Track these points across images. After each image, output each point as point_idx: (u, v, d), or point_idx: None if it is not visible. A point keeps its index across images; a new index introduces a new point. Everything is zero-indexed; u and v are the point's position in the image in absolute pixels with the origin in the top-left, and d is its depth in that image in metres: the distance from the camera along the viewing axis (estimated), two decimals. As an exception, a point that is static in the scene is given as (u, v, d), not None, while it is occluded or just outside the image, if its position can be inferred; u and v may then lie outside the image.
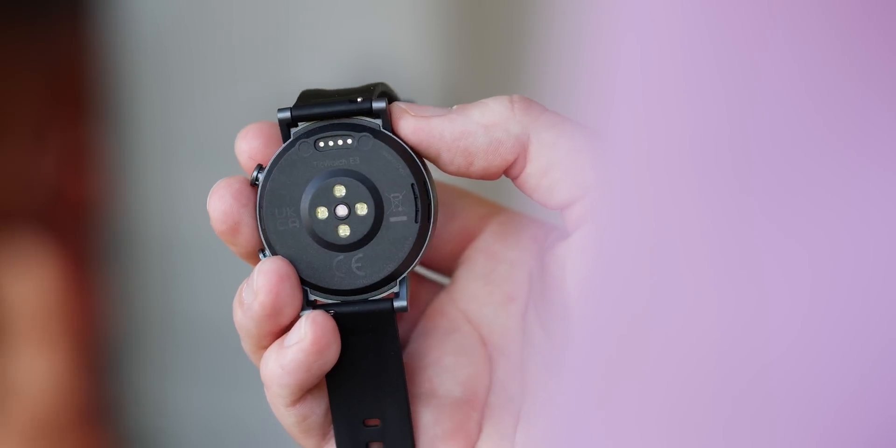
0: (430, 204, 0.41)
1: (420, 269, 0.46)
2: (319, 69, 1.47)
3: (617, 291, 0.26)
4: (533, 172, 0.41)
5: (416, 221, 0.41)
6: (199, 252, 1.56)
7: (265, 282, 0.42)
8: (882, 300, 0.21)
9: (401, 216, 0.41)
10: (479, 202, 0.46)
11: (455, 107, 0.42)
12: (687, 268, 0.24)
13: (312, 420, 0.42)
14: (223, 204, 0.42)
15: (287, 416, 0.42)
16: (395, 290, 0.42)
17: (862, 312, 0.22)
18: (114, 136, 1.61)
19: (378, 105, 0.41)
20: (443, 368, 0.44)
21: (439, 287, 0.46)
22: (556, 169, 0.40)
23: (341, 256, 0.41)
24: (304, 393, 0.42)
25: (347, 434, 0.41)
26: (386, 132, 0.41)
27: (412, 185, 0.41)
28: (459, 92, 1.44)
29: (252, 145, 0.43)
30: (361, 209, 0.41)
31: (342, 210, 0.42)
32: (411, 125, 0.41)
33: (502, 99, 0.42)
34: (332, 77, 1.46)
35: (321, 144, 0.42)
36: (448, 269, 0.46)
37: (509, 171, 0.41)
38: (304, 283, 0.42)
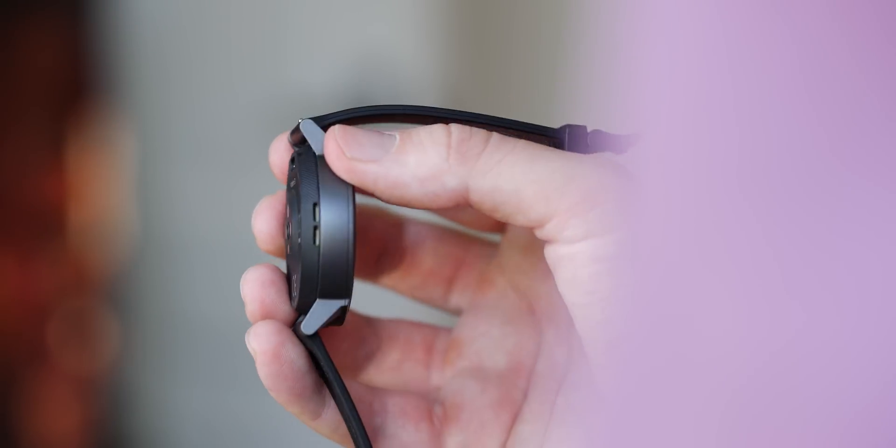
0: (335, 224, 0.40)
1: (471, 230, 0.46)
2: (319, 69, 1.47)
3: (647, 302, 0.26)
4: (483, 210, 0.40)
5: (313, 243, 0.40)
6: (199, 252, 1.56)
7: (248, 290, 0.42)
8: None
9: (305, 238, 0.40)
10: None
11: (396, 142, 0.41)
12: (716, 277, 0.24)
13: (344, 430, 0.42)
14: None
15: (319, 429, 0.42)
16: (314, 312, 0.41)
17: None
18: (114, 137, 1.61)
19: (303, 125, 0.41)
20: (491, 340, 0.44)
21: (491, 251, 0.46)
22: (504, 208, 0.39)
23: (295, 274, 0.42)
24: (320, 408, 0.42)
25: None
26: (311, 152, 0.41)
27: (314, 204, 0.40)
28: (459, 92, 1.44)
29: (281, 159, 0.43)
30: (292, 229, 0.42)
31: (289, 228, 0.42)
32: (344, 166, 0.41)
33: (440, 140, 0.40)
34: (332, 77, 1.46)
35: (293, 165, 0.42)
36: (498, 227, 0.46)
37: (460, 208, 0.41)
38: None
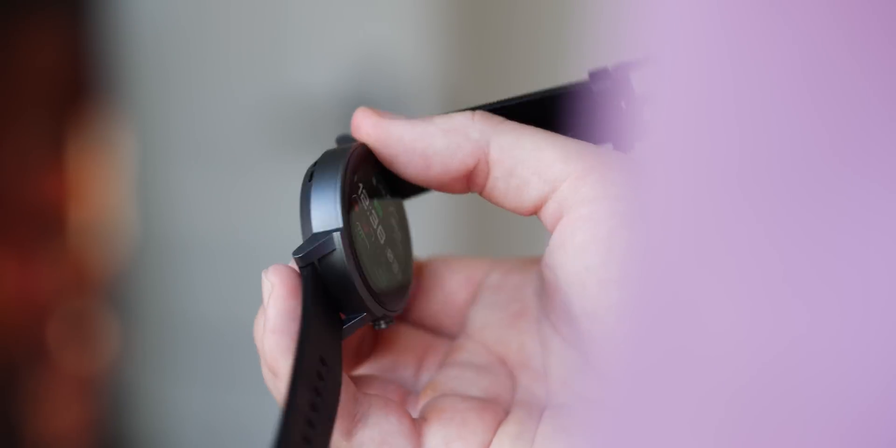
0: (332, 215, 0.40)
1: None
2: (320, 69, 1.47)
3: (638, 294, 0.26)
4: (499, 175, 0.41)
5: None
6: (199, 252, 1.56)
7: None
8: None
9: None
10: (480, 259, 0.47)
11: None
12: (711, 273, 0.24)
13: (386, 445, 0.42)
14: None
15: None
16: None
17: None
18: (114, 137, 1.61)
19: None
20: (465, 380, 0.44)
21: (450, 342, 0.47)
22: (522, 167, 0.40)
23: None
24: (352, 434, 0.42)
25: None
26: (343, 146, 0.42)
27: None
28: (459, 92, 1.44)
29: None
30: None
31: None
32: (371, 122, 0.42)
33: (465, 112, 0.42)
34: (332, 77, 1.46)
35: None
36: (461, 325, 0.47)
37: (474, 181, 0.41)
38: None
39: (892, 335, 0.22)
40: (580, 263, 0.38)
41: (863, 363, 0.22)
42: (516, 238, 1.45)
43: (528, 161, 0.40)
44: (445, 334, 0.47)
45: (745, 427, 0.24)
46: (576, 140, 0.40)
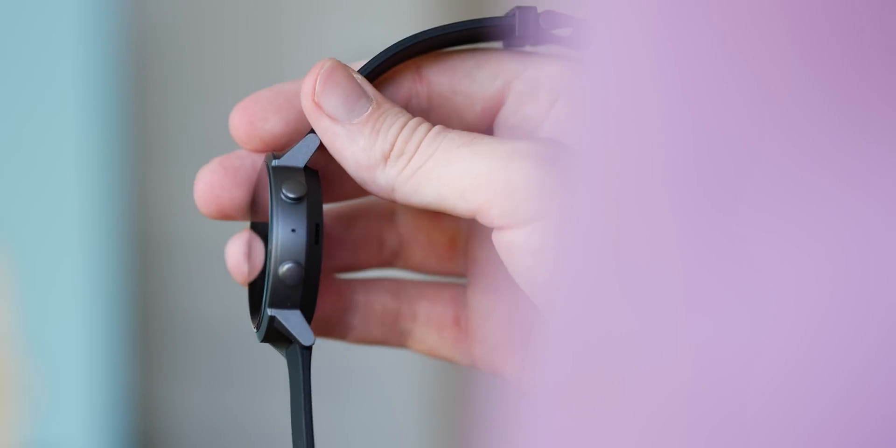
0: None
1: None
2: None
3: (586, 298, 0.26)
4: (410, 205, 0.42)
5: None
6: (199, 252, 1.56)
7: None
8: (869, 309, 0.21)
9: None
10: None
11: (367, 112, 0.41)
12: (659, 277, 0.24)
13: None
14: None
15: None
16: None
17: (847, 321, 0.22)
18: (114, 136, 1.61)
19: None
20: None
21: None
22: (430, 206, 0.40)
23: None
24: None
25: None
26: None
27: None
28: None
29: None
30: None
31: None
32: (307, 106, 0.41)
33: (392, 133, 0.40)
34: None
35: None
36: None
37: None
38: None
39: (805, 343, 0.22)
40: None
41: (778, 375, 0.22)
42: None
43: (431, 205, 0.40)
44: None
45: (701, 430, 0.23)
46: (483, 156, 0.39)
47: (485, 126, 0.43)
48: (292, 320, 0.39)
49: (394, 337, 0.45)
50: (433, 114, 0.43)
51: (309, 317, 0.39)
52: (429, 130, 0.40)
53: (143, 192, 1.59)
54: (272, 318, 0.40)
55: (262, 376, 1.54)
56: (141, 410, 1.65)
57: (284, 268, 0.39)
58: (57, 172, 1.51)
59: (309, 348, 0.40)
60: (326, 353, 1.54)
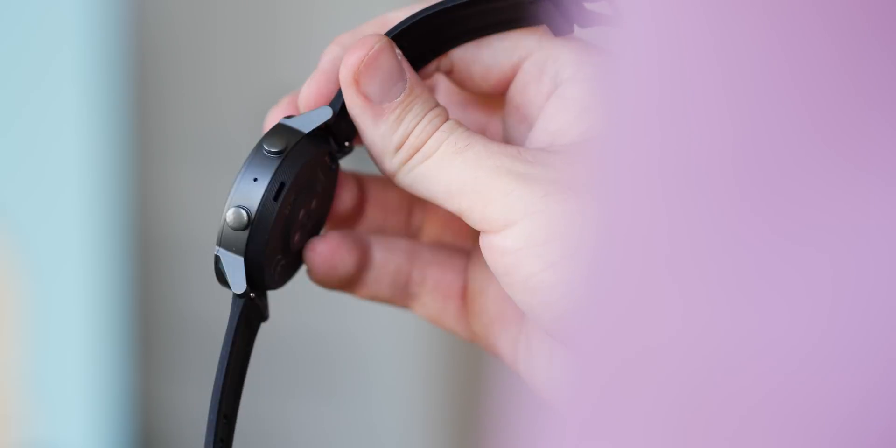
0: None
1: None
2: (319, 69, 1.47)
3: (602, 291, 0.26)
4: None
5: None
6: (199, 252, 1.56)
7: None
8: (884, 309, 0.21)
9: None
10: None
11: (400, 97, 0.43)
12: (676, 271, 0.24)
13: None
14: None
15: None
16: None
17: (867, 322, 0.22)
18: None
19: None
20: None
21: None
22: (426, 198, 0.43)
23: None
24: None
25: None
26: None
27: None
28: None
29: None
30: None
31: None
32: (346, 80, 0.43)
33: (412, 121, 0.43)
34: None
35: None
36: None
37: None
38: None
39: (840, 336, 0.22)
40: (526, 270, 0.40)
41: (810, 365, 0.22)
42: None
43: (426, 198, 0.43)
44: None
45: (696, 430, 0.23)
46: (487, 168, 0.41)
47: (498, 96, 0.45)
48: (232, 265, 0.41)
49: (401, 298, 0.47)
50: (454, 76, 0.44)
51: (253, 270, 0.41)
52: (439, 127, 0.42)
53: (143, 192, 1.59)
54: (217, 258, 0.42)
55: (262, 377, 1.54)
56: (141, 411, 1.65)
57: (231, 210, 0.41)
58: (57, 173, 1.51)
59: (240, 296, 0.42)
60: (326, 351, 1.54)
